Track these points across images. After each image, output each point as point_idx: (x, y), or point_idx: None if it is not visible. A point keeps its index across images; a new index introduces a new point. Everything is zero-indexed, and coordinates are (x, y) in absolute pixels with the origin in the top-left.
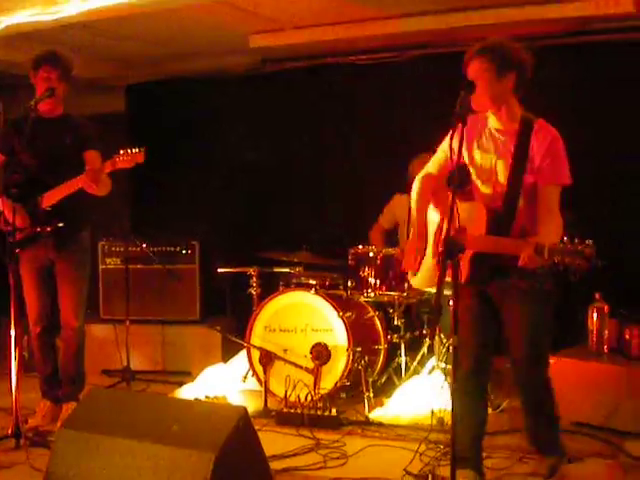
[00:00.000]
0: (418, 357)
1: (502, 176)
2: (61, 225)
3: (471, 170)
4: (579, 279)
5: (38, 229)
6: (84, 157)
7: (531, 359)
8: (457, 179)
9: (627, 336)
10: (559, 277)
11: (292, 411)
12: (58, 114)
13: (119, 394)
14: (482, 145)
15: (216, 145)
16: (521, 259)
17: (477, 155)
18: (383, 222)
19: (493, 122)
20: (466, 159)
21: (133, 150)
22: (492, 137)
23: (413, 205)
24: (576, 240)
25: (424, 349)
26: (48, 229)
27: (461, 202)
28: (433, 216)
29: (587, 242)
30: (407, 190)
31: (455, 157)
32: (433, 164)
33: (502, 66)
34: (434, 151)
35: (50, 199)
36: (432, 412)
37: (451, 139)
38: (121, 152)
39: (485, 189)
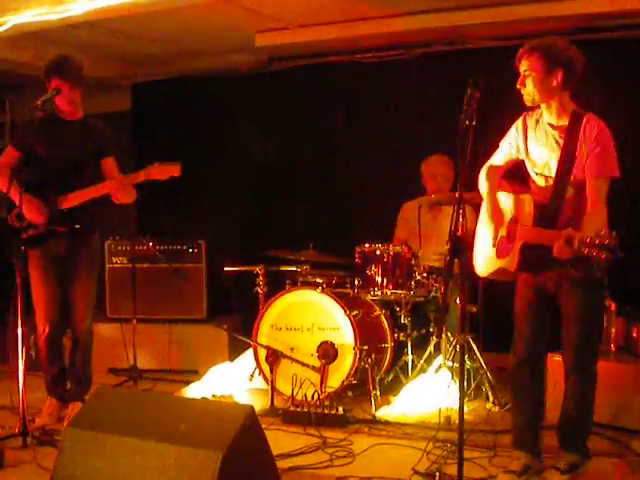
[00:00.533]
0: (425, 355)
1: (554, 170)
2: (77, 227)
3: (527, 163)
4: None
5: (55, 228)
6: (101, 163)
7: (582, 349)
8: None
9: (634, 334)
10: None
11: (299, 410)
12: (79, 117)
13: (126, 393)
14: (537, 139)
15: (222, 144)
16: (554, 249)
17: (533, 149)
18: (400, 234)
19: (547, 117)
20: (523, 152)
21: (169, 163)
22: (545, 132)
23: (485, 197)
24: (604, 232)
25: (431, 347)
26: (64, 229)
27: (517, 194)
28: (506, 204)
29: (613, 234)
30: (423, 187)
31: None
32: (498, 157)
33: (551, 63)
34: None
35: (72, 201)
36: (439, 410)
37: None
38: (156, 164)
39: (539, 182)
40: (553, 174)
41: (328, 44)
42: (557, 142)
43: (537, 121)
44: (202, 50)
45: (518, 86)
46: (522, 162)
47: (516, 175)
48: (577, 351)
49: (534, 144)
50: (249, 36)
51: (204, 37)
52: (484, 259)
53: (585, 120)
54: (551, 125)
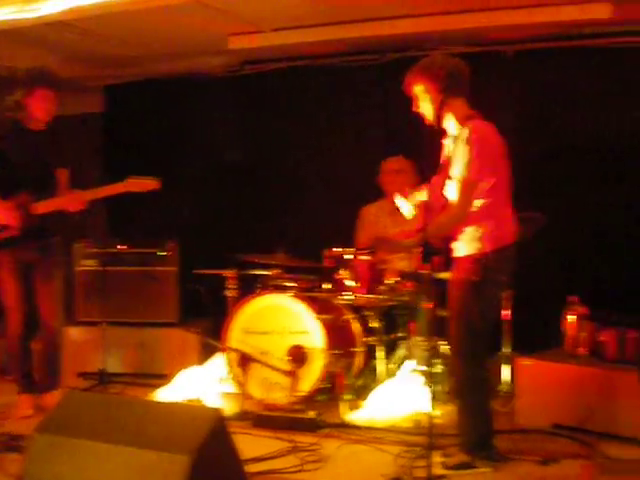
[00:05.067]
0: (395, 359)
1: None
2: (46, 230)
3: None
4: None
5: (25, 231)
6: (58, 172)
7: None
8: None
9: (602, 339)
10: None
11: (269, 414)
12: (44, 127)
13: (95, 397)
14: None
15: (194, 146)
16: None
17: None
18: (361, 238)
19: (448, 129)
20: None
21: (147, 178)
22: (446, 144)
23: None
24: None
25: (401, 351)
26: (34, 232)
27: None
28: None
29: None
30: (381, 188)
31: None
32: None
33: (435, 80)
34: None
35: (43, 208)
36: (410, 414)
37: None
38: (133, 177)
39: None
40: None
41: (301, 48)
42: (449, 149)
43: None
44: (175, 52)
45: (415, 109)
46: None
47: None
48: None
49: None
50: (222, 39)
51: (177, 39)
52: None
53: (464, 126)
54: (450, 135)
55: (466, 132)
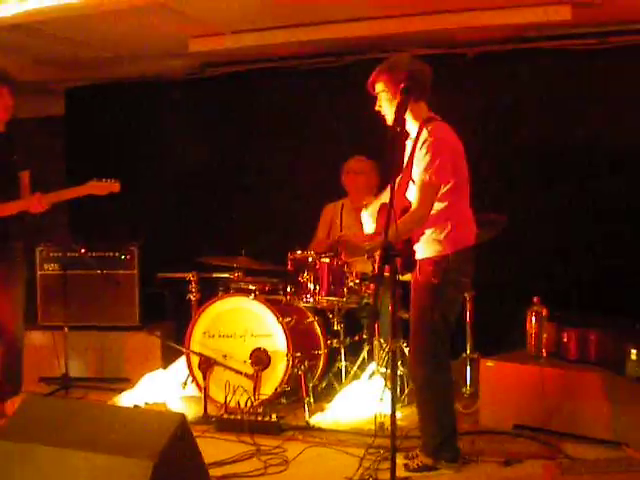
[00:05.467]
0: (358, 362)
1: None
2: (7, 234)
3: None
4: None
5: None
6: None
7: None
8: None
9: (565, 339)
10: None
11: (232, 417)
12: (7, 128)
13: (56, 402)
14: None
15: (156, 149)
16: None
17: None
18: (321, 234)
19: (407, 130)
20: None
21: (108, 180)
22: (407, 145)
23: None
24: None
25: (364, 354)
26: None
27: None
28: None
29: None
30: (340, 190)
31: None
32: None
33: (397, 80)
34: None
35: (5, 210)
36: (373, 417)
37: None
38: (94, 180)
39: None
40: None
41: (261, 50)
42: (409, 151)
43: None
44: (137, 55)
45: (377, 109)
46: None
47: None
48: (410, 358)
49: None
50: (183, 42)
51: (138, 42)
52: None
53: (423, 128)
54: (411, 138)
55: (425, 134)
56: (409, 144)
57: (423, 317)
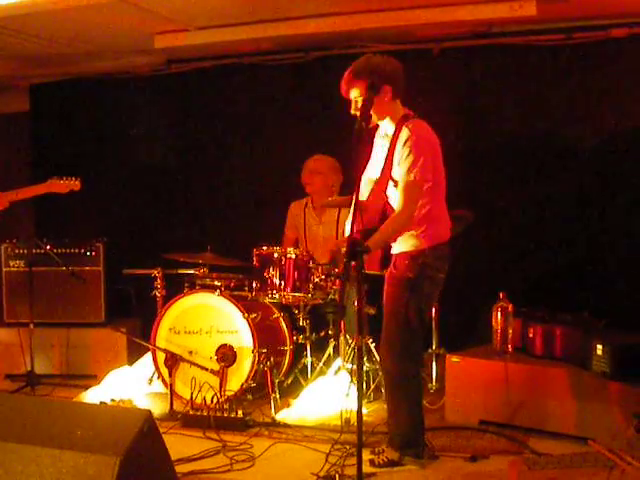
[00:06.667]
0: (324, 358)
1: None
2: None
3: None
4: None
5: None
6: None
7: (385, 350)
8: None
9: (530, 335)
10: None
11: (198, 413)
12: None
13: (21, 399)
14: (378, 151)
15: (121, 145)
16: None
17: (376, 160)
18: (289, 233)
19: (383, 129)
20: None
21: (68, 178)
22: (380, 145)
23: None
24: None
25: (330, 350)
26: None
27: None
28: None
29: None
30: (304, 188)
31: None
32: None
33: (377, 82)
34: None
35: None
36: (340, 412)
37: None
38: (55, 178)
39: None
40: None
41: (227, 46)
42: (384, 152)
43: (378, 135)
44: (101, 51)
45: (353, 112)
46: None
47: None
48: (383, 351)
49: (376, 156)
50: (148, 37)
51: (103, 38)
52: None
53: (402, 127)
54: (387, 135)
55: (407, 133)
56: (383, 142)
57: (398, 312)
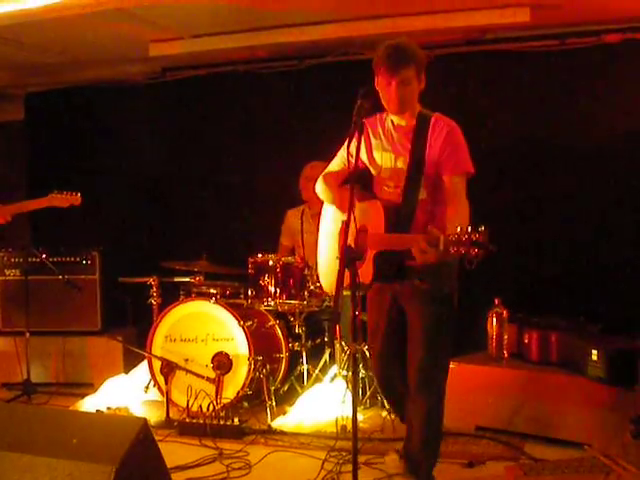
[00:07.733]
0: (320, 365)
1: (402, 173)
2: None
3: (372, 171)
4: (476, 267)
5: None
6: None
7: (428, 366)
8: (355, 181)
9: (526, 340)
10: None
11: (194, 421)
12: None
13: (17, 408)
14: (382, 145)
15: (117, 154)
16: (414, 254)
17: (377, 155)
18: (285, 242)
19: (396, 120)
20: (366, 161)
21: (69, 193)
22: (391, 136)
23: (325, 201)
24: (469, 228)
25: (326, 357)
26: None
27: (360, 202)
28: (337, 215)
29: (480, 229)
30: (301, 195)
31: (353, 162)
32: (334, 166)
33: (420, 69)
34: (329, 159)
35: None
36: (336, 420)
37: (348, 146)
38: (56, 192)
39: (387, 187)
40: (401, 177)
41: (222, 54)
42: (402, 144)
43: (381, 126)
44: (96, 60)
45: (395, 94)
46: (364, 170)
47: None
48: (421, 369)
49: (379, 150)
50: (143, 46)
51: (98, 47)
52: (331, 274)
53: (433, 120)
54: (400, 128)
55: (445, 122)
56: (397, 135)
57: (437, 332)
